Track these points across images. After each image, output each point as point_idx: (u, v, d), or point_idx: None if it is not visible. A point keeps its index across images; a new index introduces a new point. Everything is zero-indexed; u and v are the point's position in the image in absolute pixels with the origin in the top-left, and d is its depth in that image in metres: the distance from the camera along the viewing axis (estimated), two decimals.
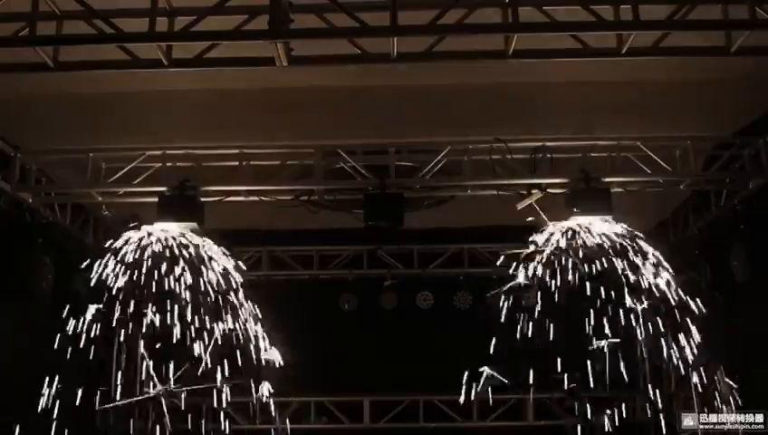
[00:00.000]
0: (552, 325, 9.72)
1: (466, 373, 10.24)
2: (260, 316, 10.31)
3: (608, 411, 11.53)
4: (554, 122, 9.04)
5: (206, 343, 9.89)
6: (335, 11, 6.38)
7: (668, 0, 6.43)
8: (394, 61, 6.67)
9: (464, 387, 10.29)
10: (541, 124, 9.08)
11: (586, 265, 9.48)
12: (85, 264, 9.62)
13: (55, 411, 9.56)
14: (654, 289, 9.53)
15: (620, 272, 9.49)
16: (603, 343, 9.95)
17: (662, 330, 9.84)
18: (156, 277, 9.51)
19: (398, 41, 6.57)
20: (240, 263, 10.27)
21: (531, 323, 9.73)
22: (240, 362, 10.16)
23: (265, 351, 10.34)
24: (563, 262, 9.52)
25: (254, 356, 10.31)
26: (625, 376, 10.21)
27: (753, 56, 6.89)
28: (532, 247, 9.51)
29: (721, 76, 7.73)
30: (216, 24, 6.40)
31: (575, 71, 7.52)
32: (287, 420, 11.25)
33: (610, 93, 8.22)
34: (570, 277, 9.53)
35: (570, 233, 9.50)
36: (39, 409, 9.44)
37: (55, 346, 9.39)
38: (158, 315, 9.66)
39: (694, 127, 9.19)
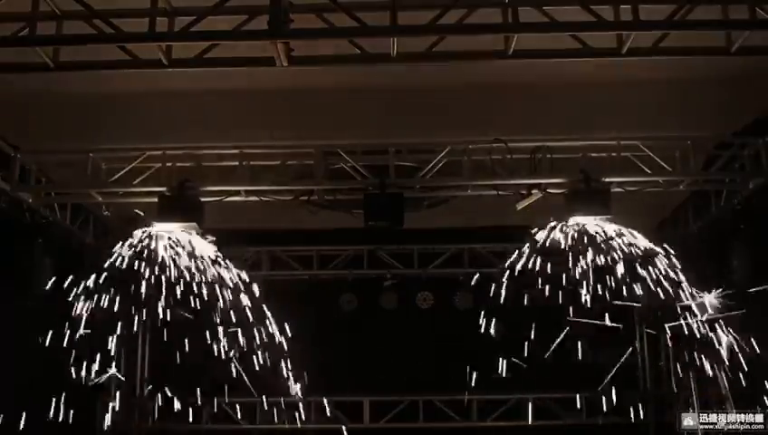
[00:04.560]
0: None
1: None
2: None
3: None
4: (554, 122, 9.03)
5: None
6: (335, 11, 6.37)
7: (668, 0, 6.43)
8: (394, 61, 6.67)
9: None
10: (541, 124, 9.07)
11: (585, 265, 9.50)
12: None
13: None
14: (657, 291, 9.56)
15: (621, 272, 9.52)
16: None
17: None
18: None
19: (398, 41, 6.56)
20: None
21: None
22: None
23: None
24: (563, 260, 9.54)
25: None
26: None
27: (752, 56, 6.88)
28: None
29: (721, 76, 7.72)
30: (216, 24, 6.40)
31: (575, 71, 7.51)
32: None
33: (610, 93, 8.22)
34: (570, 275, 9.56)
35: (570, 232, 9.52)
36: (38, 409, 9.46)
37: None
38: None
39: (694, 127, 9.18)
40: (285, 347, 10.65)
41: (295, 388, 10.99)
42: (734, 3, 6.41)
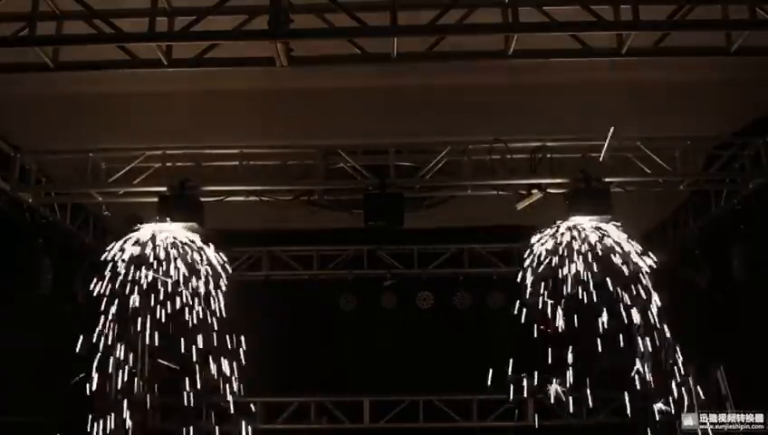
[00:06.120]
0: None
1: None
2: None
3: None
4: (554, 122, 9.03)
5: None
6: (335, 11, 6.38)
7: (668, 0, 6.43)
8: (394, 61, 6.67)
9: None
10: (541, 124, 9.07)
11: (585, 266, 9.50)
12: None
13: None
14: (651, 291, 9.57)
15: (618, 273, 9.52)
16: None
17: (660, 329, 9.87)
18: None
19: (398, 41, 6.57)
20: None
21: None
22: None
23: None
24: (563, 262, 9.54)
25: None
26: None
27: (753, 56, 6.88)
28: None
29: (721, 76, 7.72)
30: (216, 24, 6.40)
31: (575, 71, 7.51)
32: None
33: (610, 93, 8.22)
34: (570, 277, 9.55)
35: (570, 234, 9.52)
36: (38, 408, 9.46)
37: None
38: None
39: (694, 127, 9.18)
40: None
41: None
42: (734, 3, 6.41)
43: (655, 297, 9.53)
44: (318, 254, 14.15)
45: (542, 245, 9.54)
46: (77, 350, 9.50)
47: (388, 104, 8.59)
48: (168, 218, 9.31)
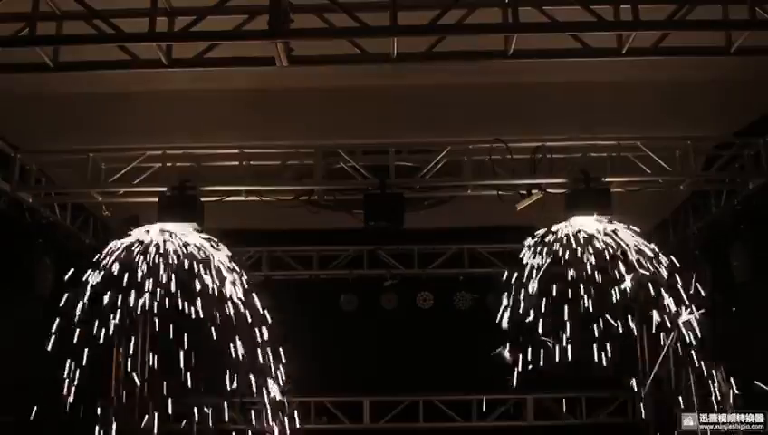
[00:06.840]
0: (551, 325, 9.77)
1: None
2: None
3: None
4: (554, 122, 9.03)
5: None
6: (335, 11, 6.38)
7: (668, 0, 6.43)
8: (394, 61, 6.67)
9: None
10: (541, 124, 9.07)
11: (584, 264, 9.50)
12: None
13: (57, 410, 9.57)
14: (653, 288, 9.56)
15: (619, 271, 9.51)
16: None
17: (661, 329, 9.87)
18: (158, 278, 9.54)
19: (398, 41, 6.57)
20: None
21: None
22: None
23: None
24: (562, 261, 9.53)
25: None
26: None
27: (753, 56, 6.88)
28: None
29: (721, 76, 7.72)
30: (216, 24, 6.40)
31: (575, 71, 7.51)
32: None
33: (610, 93, 8.22)
34: (569, 276, 9.55)
35: (570, 233, 9.51)
36: (39, 408, 9.46)
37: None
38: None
39: (694, 127, 9.19)
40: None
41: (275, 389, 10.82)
42: (734, 3, 6.41)
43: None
44: (318, 254, 14.16)
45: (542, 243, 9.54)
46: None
47: (388, 104, 8.59)
48: (167, 218, 9.31)
